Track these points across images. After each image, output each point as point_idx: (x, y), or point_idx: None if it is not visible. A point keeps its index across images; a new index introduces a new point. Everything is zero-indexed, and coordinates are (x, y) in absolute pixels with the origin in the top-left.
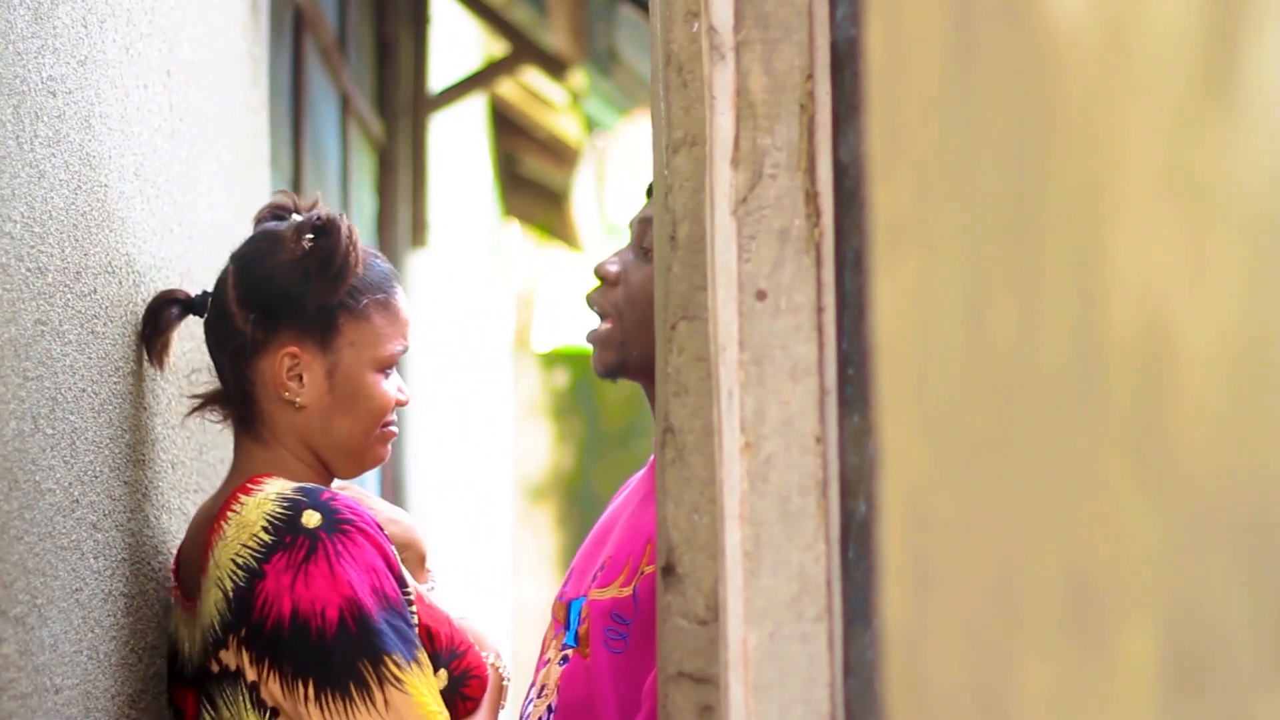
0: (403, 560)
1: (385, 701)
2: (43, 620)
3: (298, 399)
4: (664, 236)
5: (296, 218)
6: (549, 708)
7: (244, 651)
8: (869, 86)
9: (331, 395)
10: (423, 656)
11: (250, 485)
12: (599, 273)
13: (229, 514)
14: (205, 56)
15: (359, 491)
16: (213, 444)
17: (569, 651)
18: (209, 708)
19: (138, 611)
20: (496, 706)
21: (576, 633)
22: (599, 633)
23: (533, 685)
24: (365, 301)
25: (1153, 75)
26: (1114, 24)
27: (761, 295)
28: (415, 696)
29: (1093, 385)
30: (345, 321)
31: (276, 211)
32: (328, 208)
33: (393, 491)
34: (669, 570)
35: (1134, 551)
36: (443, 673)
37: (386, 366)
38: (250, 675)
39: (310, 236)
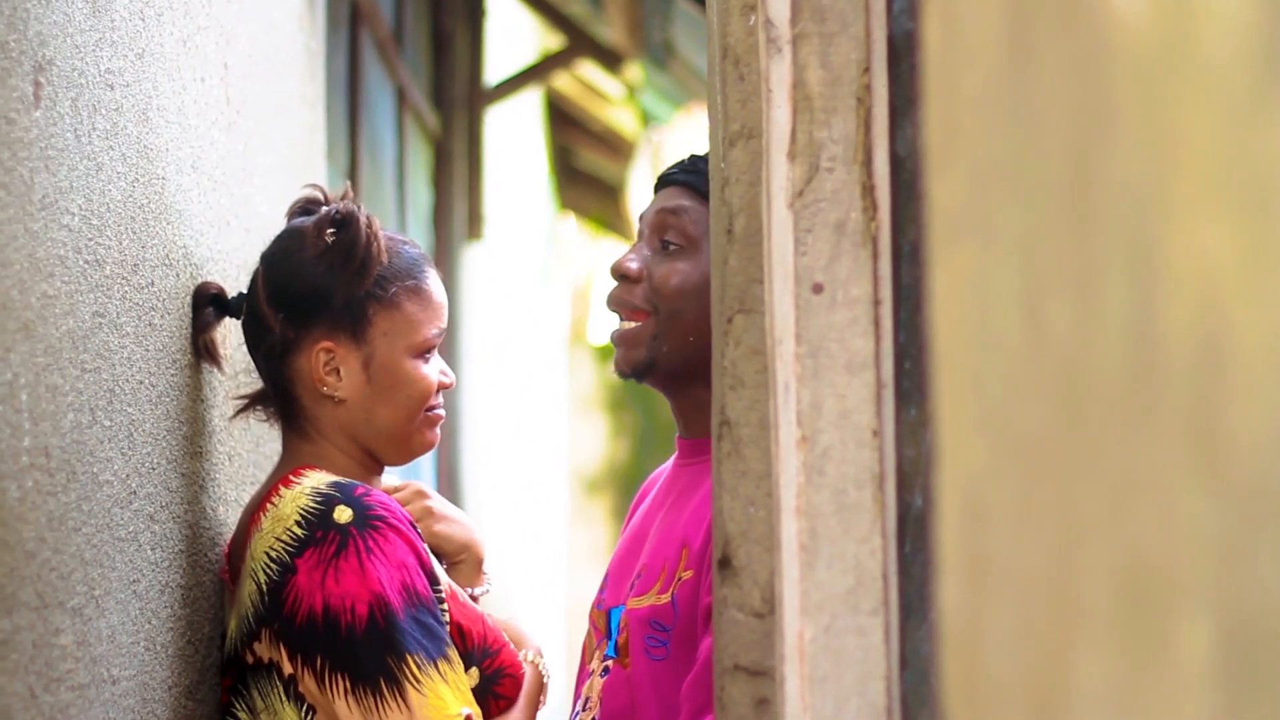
0: (459, 563)
1: (406, 702)
2: (100, 611)
3: (337, 393)
4: (720, 230)
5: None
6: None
7: (279, 646)
8: (926, 79)
9: (370, 386)
10: (452, 653)
11: (291, 478)
12: (619, 270)
13: (268, 506)
14: (262, 50)
15: (420, 487)
16: (269, 436)
17: (610, 663)
18: (243, 697)
19: (195, 603)
20: (535, 704)
21: (616, 643)
22: (639, 641)
23: (577, 698)
24: (395, 289)
25: (1210, 68)
26: (1172, 16)
27: (818, 288)
28: (430, 699)
29: (1150, 378)
30: (376, 311)
31: (307, 206)
32: (351, 199)
33: (448, 484)
34: (725, 563)
35: (1191, 545)
36: (474, 670)
37: (423, 351)
38: (287, 669)
39: (331, 231)
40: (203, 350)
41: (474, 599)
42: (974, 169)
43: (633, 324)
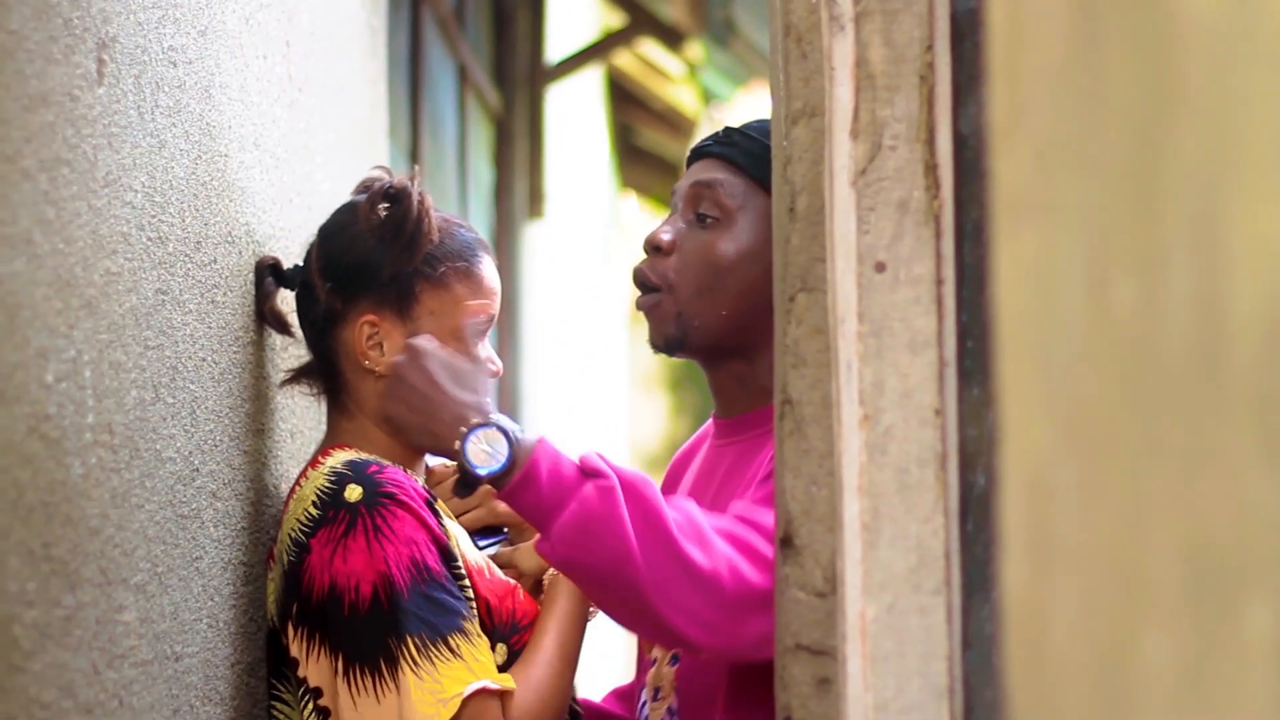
0: (521, 536)
1: (400, 685)
2: (163, 588)
3: (378, 367)
4: (783, 208)
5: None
6: (669, 709)
7: (300, 631)
8: (990, 57)
9: None
10: (470, 625)
11: (320, 458)
12: (652, 242)
13: (297, 488)
14: (324, 27)
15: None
16: None
17: (679, 650)
18: (285, 680)
19: (257, 580)
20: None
21: None
22: None
23: (643, 686)
24: (444, 269)
25: (1277, 45)
26: None
27: (880, 267)
28: (426, 682)
29: (1215, 356)
30: (424, 289)
31: (370, 184)
32: (416, 180)
33: None
34: (787, 542)
35: (1257, 524)
36: (501, 647)
37: (468, 336)
38: (301, 663)
39: (384, 205)
40: (269, 319)
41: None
42: (1038, 147)
43: (654, 296)
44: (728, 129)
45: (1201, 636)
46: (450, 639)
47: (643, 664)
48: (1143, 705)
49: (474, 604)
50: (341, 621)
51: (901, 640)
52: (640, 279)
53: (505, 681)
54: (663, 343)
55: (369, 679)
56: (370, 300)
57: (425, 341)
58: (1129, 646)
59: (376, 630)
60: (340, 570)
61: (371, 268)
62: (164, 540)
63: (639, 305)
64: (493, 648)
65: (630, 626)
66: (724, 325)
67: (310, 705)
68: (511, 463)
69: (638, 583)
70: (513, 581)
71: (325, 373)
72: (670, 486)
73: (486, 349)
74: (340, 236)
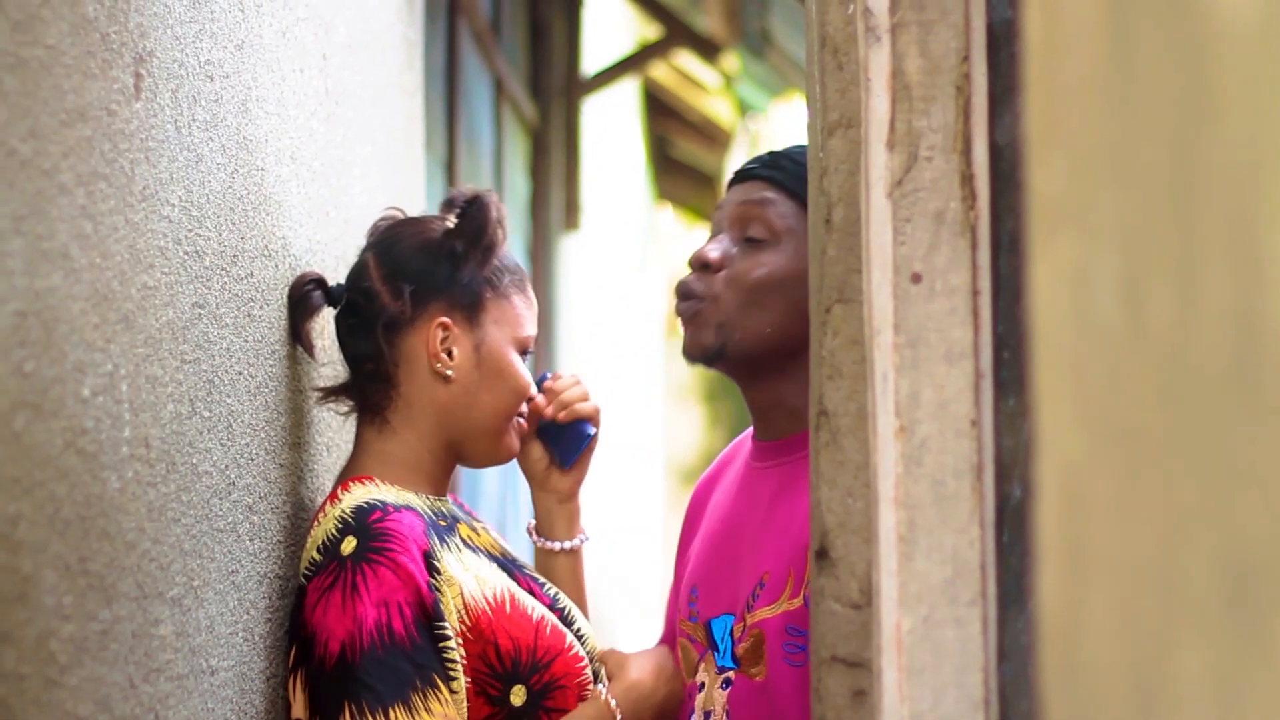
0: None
1: None
2: (199, 602)
3: (449, 370)
4: (819, 219)
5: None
6: None
7: (293, 672)
8: (1026, 68)
9: (479, 370)
10: (417, 699)
11: (340, 492)
12: (700, 259)
13: (317, 520)
14: (360, 40)
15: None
16: None
17: (730, 674)
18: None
19: (293, 594)
20: None
21: (734, 653)
22: (777, 650)
23: (690, 712)
24: (507, 281)
25: None
26: (1275, 4)
27: (917, 278)
28: None
29: (1252, 368)
30: (490, 298)
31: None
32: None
33: None
34: (823, 554)
35: None
36: (520, 688)
37: (524, 349)
38: (291, 701)
39: (460, 210)
40: (301, 338)
41: (574, 550)
42: (1074, 158)
43: (689, 304)
44: (772, 152)
45: (1237, 647)
46: (392, 709)
47: (690, 686)
48: (1178, 717)
49: (455, 665)
50: (311, 672)
51: (937, 652)
52: (684, 290)
53: None
54: (699, 352)
55: None
56: (443, 304)
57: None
58: (1165, 658)
59: (333, 688)
60: (320, 623)
61: (445, 272)
62: (200, 554)
63: (679, 312)
64: (510, 689)
65: None
66: (766, 343)
67: None
68: None
69: None
70: (539, 616)
71: (368, 387)
72: (697, 510)
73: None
74: (407, 243)
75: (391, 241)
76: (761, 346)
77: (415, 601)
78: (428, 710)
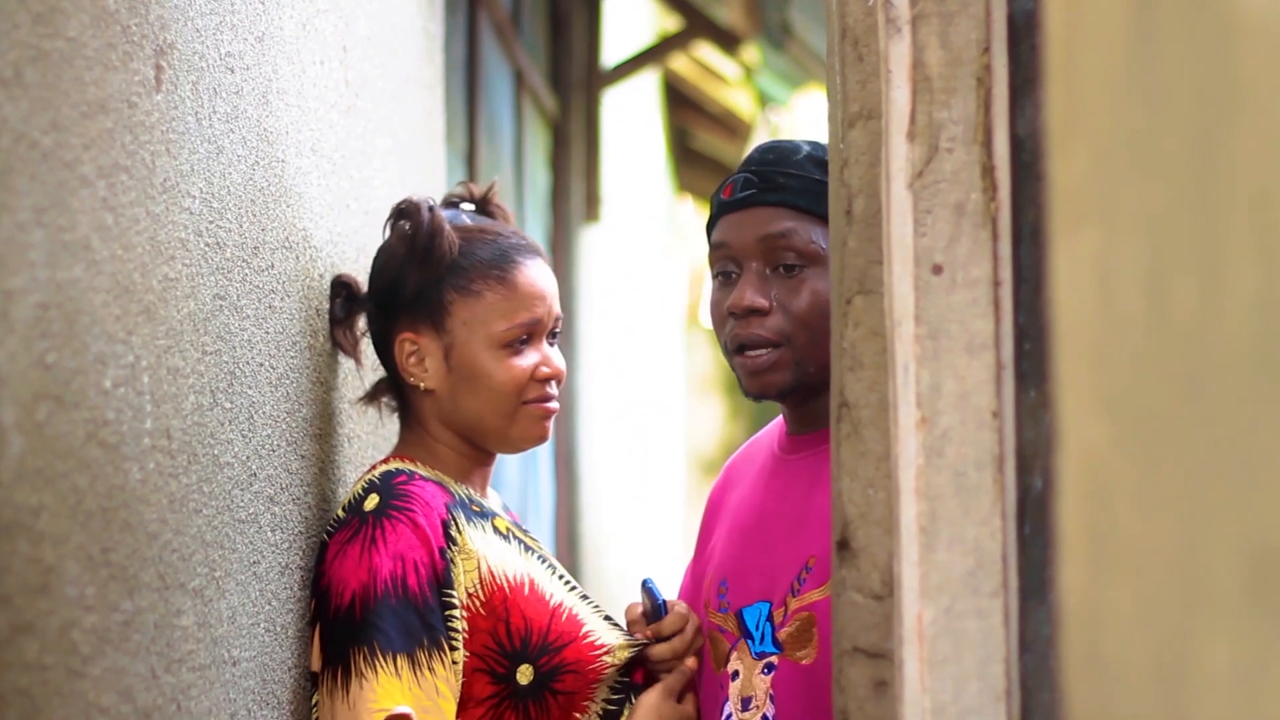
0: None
1: (351, 693)
2: (221, 593)
3: (423, 383)
4: (839, 211)
5: (468, 208)
6: (764, 717)
7: (312, 625)
8: (1047, 59)
9: (453, 375)
10: (422, 655)
11: (376, 465)
12: (746, 307)
13: (349, 493)
14: (381, 32)
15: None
16: (388, 419)
17: (773, 659)
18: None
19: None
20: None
21: (775, 638)
22: (828, 631)
23: (727, 699)
24: (474, 278)
25: None
26: None
27: (938, 269)
28: (366, 692)
29: (1275, 357)
30: (454, 300)
31: (448, 200)
32: (495, 195)
33: (565, 468)
34: (844, 545)
35: None
36: (527, 667)
37: (507, 342)
38: (311, 654)
39: (401, 223)
40: (340, 342)
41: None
42: (1096, 149)
43: (765, 352)
44: (759, 169)
45: (1260, 639)
46: (398, 658)
47: (721, 676)
48: (1200, 708)
49: (457, 635)
50: (327, 622)
51: (959, 643)
52: (750, 340)
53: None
54: (775, 392)
55: (335, 679)
56: (405, 317)
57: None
58: (1186, 649)
59: (345, 634)
60: (335, 574)
61: (398, 285)
62: (222, 545)
63: (754, 366)
64: (517, 667)
65: None
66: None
67: (315, 696)
68: None
69: None
70: (558, 602)
71: (393, 387)
72: (714, 513)
73: (544, 352)
74: (378, 259)
75: (374, 257)
76: (828, 368)
77: (429, 563)
78: (430, 669)
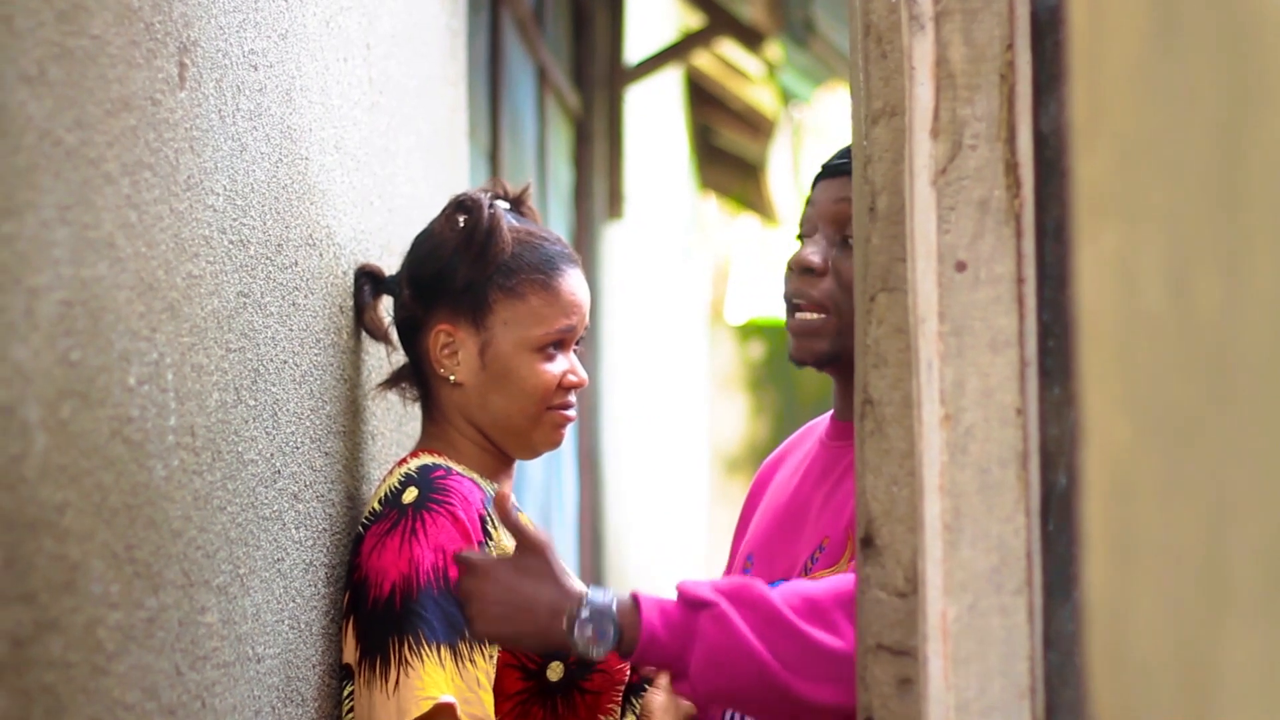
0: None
1: (395, 681)
2: (245, 590)
3: (453, 375)
4: (863, 208)
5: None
6: None
7: (346, 619)
8: (1071, 56)
9: (485, 372)
10: (464, 647)
11: (408, 458)
12: (803, 263)
13: (380, 486)
14: (404, 30)
15: None
16: (411, 415)
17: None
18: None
19: (338, 581)
20: None
21: None
22: None
23: None
24: (520, 281)
25: None
26: None
27: (961, 266)
28: (413, 680)
29: None
30: (498, 300)
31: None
32: (527, 195)
33: (589, 464)
34: (868, 542)
35: None
36: (557, 664)
37: (542, 346)
38: (344, 648)
39: (462, 216)
40: (367, 328)
41: None
42: (1120, 146)
43: (812, 316)
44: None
45: None
46: (441, 648)
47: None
48: (1225, 705)
49: None
50: (365, 613)
51: (983, 640)
52: (797, 295)
53: (474, 711)
54: (813, 359)
55: (375, 670)
56: (446, 308)
57: (476, 556)
58: (1211, 646)
59: (387, 624)
60: (374, 565)
61: (447, 277)
62: (246, 542)
63: (798, 326)
64: (548, 663)
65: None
66: None
67: (348, 688)
68: (620, 632)
69: (781, 683)
70: None
71: (416, 378)
72: (758, 491)
73: (570, 361)
74: (423, 245)
75: (419, 239)
76: None
77: None
78: (471, 661)
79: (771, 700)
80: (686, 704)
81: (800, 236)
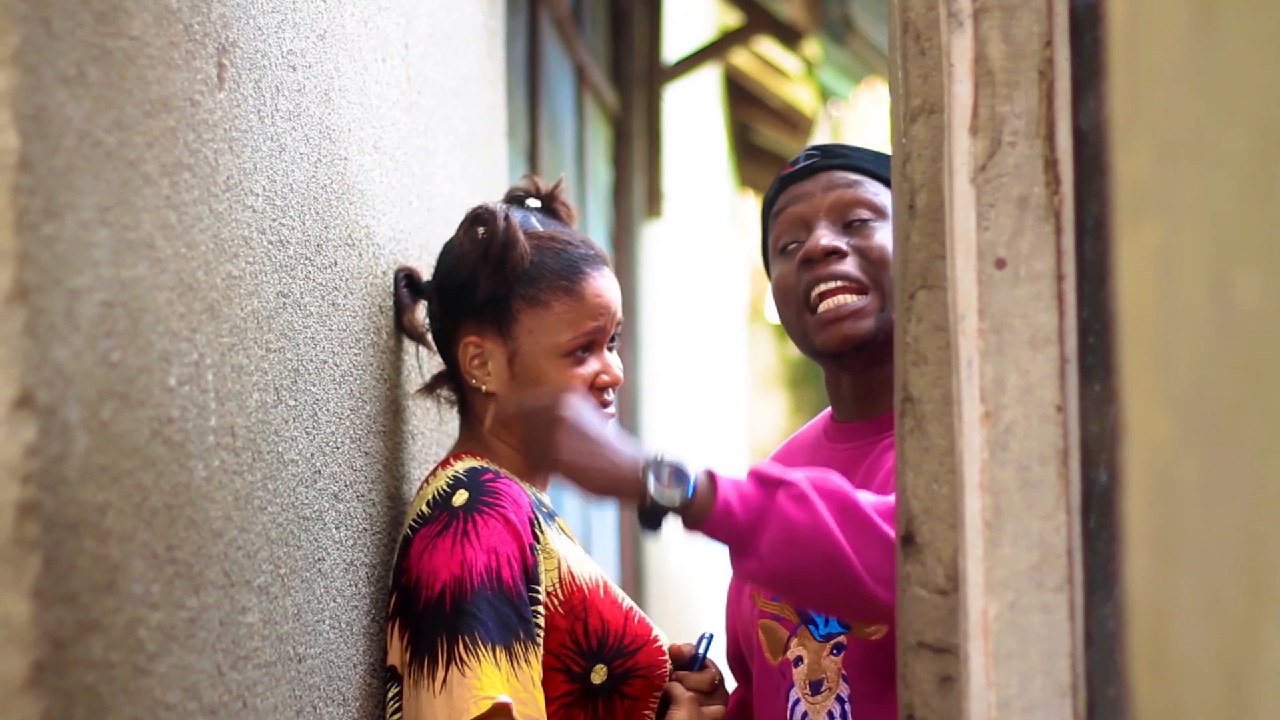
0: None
1: (444, 680)
2: (286, 590)
3: (484, 386)
4: (902, 205)
5: (533, 203)
6: (839, 699)
7: (392, 620)
8: (1110, 52)
9: (515, 382)
10: (519, 648)
11: (451, 460)
12: (825, 249)
13: (423, 488)
14: (442, 29)
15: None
16: (451, 415)
17: (841, 638)
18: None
19: (379, 581)
20: None
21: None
22: None
23: (792, 686)
24: (542, 288)
25: None
26: None
27: (1001, 263)
28: (469, 679)
29: None
30: (521, 309)
31: (513, 194)
32: (561, 192)
33: None
34: (908, 540)
35: None
36: (601, 667)
37: (570, 351)
38: (390, 650)
39: (480, 228)
40: (406, 330)
41: None
42: (1160, 142)
43: (850, 298)
44: (817, 147)
45: None
46: (497, 649)
47: (781, 664)
48: (1267, 702)
49: (542, 630)
50: (415, 614)
51: (1024, 638)
52: (834, 279)
53: (529, 712)
54: (853, 344)
55: (423, 669)
56: (471, 321)
57: (574, 396)
58: (1253, 642)
59: (439, 625)
60: (425, 567)
61: (468, 289)
62: (286, 542)
63: (833, 312)
64: (593, 667)
65: (838, 612)
66: None
67: (394, 689)
68: (695, 491)
69: (853, 575)
70: (629, 606)
71: (454, 383)
72: None
73: (606, 359)
74: (447, 256)
75: (445, 249)
76: None
77: (520, 558)
78: (526, 662)
79: (833, 590)
80: (711, 713)
81: (784, 250)
